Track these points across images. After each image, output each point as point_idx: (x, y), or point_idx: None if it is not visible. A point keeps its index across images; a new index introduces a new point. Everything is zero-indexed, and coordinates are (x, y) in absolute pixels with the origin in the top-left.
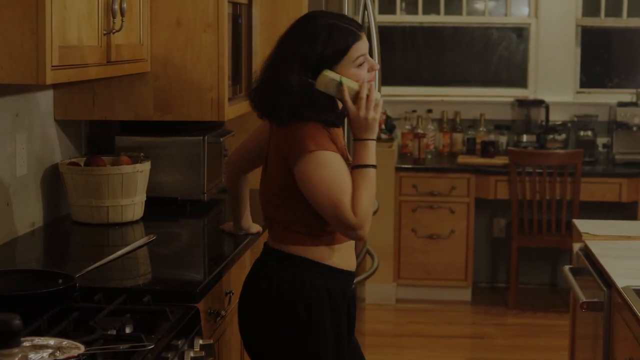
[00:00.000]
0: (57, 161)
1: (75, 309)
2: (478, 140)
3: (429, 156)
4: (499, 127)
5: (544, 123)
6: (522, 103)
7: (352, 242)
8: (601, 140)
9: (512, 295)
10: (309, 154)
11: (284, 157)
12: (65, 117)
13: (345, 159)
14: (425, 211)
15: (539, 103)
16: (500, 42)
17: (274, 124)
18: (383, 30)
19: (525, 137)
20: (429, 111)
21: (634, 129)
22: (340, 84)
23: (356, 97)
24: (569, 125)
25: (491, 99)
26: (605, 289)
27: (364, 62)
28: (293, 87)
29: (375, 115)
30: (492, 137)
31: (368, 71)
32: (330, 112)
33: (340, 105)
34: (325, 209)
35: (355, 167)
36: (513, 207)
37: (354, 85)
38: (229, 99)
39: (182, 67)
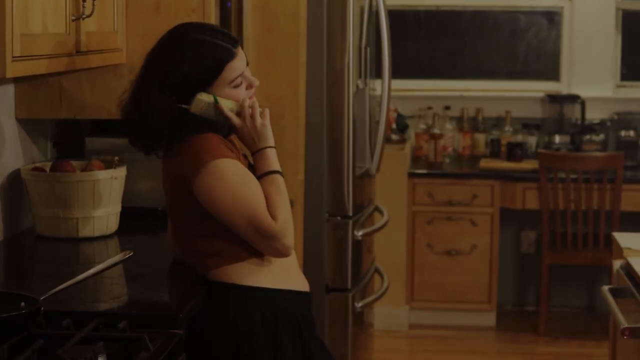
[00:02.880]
0: (19, 166)
1: (40, 336)
2: (503, 142)
3: (447, 160)
4: (528, 126)
5: (579, 122)
6: (554, 99)
7: (290, 259)
8: None
9: (542, 320)
10: (204, 166)
11: (179, 181)
12: (28, 116)
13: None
14: (443, 223)
15: (573, 99)
16: (528, 29)
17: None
18: (393, 15)
19: (557, 138)
20: (447, 108)
21: None
22: (216, 103)
23: (238, 113)
24: (608, 124)
25: (518, 94)
26: None
27: (241, 83)
28: (161, 111)
29: (264, 121)
30: (519, 137)
31: (247, 89)
32: (214, 129)
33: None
34: (238, 223)
35: (261, 176)
36: (544, 218)
37: (232, 105)
38: None
39: None
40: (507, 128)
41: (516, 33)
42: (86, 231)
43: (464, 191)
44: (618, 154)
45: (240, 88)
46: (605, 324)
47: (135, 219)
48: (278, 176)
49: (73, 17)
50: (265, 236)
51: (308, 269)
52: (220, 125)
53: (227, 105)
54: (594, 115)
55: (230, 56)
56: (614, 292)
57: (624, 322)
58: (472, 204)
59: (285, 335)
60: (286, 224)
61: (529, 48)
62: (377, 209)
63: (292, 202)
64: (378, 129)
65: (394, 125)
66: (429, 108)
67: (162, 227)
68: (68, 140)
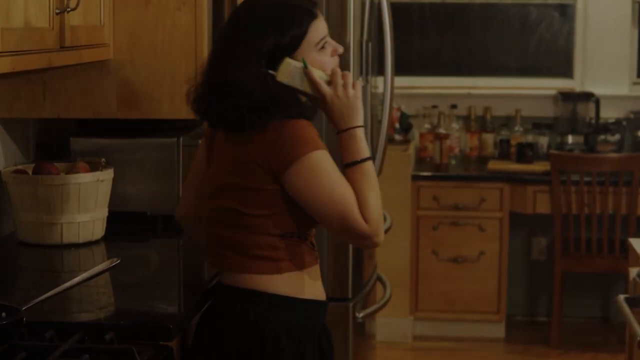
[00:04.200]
0: (0, 168)
1: (22, 349)
2: (513, 142)
3: (453, 161)
4: (539, 126)
5: (593, 121)
6: (566, 97)
7: (318, 268)
8: None
9: (554, 332)
10: (302, 158)
11: (261, 167)
12: (9, 115)
13: None
14: (449, 229)
15: (587, 97)
16: (540, 22)
17: (230, 131)
18: (397, 8)
19: (570, 138)
20: (453, 107)
21: None
22: (305, 67)
23: (328, 83)
24: (624, 123)
25: (529, 91)
26: None
27: (325, 45)
28: (249, 83)
29: (356, 93)
30: (530, 138)
31: (331, 55)
32: (295, 106)
33: (304, 99)
34: (331, 221)
35: (350, 165)
36: (556, 223)
37: (321, 74)
38: None
39: (151, 53)
40: (517, 128)
41: (527, 27)
42: (71, 237)
43: (471, 195)
44: (635, 155)
45: (326, 53)
46: (621, 335)
47: (122, 224)
48: (369, 164)
49: (57, 10)
50: (356, 237)
51: None
52: (298, 101)
53: (316, 73)
54: (609, 114)
55: (313, 16)
56: (630, 302)
57: None
58: (480, 208)
59: (308, 345)
60: (378, 222)
61: (541, 43)
62: None
63: None
64: (380, 128)
65: (397, 125)
66: (434, 107)
67: (152, 233)
68: (52, 140)
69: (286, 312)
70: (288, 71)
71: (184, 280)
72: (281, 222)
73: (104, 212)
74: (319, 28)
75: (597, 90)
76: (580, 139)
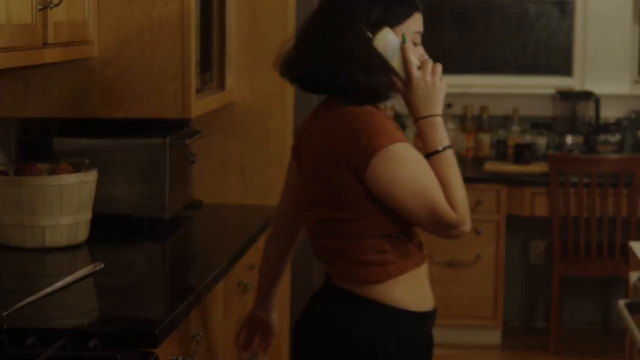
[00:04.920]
0: None
1: (2, 357)
2: (511, 143)
3: None
4: (537, 126)
5: (593, 121)
6: (566, 96)
7: (427, 268)
8: None
9: (553, 338)
10: (383, 151)
11: (343, 163)
12: None
13: None
14: None
15: (587, 96)
16: (538, 20)
17: (324, 99)
18: None
19: (570, 139)
20: (449, 106)
21: None
22: (404, 43)
23: (418, 68)
24: (625, 123)
25: (527, 90)
26: None
27: (418, 44)
28: (346, 40)
29: (443, 85)
30: (528, 138)
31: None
32: (378, 75)
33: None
34: (419, 215)
35: (432, 154)
36: (555, 226)
37: (414, 59)
38: (197, 91)
39: (138, 51)
40: (514, 128)
41: (525, 24)
42: (53, 241)
43: (468, 197)
44: (636, 156)
45: (417, 50)
46: (621, 341)
47: (108, 227)
48: (452, 152)
49: (40, 7)
50: (444, 227)
51: (297, 279)
52: (386, 73)
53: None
54: (609, 113)
55: (419, 9)
56: (631, 307)
57: None
58: (477, 210)
59: (420, 357)
60: (465, 210)
61: (539, 41)
62: None
63: None
64: None
65: None
66: None
67: (137, 237)
68: (34, 141)
69: (399, 325)
70: (386, 41)
71: (170, 286)
72: (382, 222)
73: (88, 215)
74: (420, 22)
75: (598, 89)
76: (580, 139)
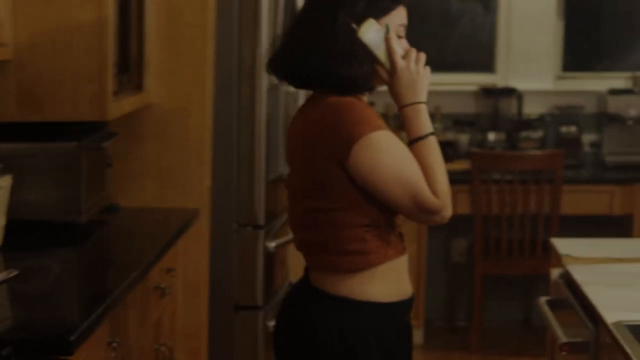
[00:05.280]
0: None
1: None
2: None
3: None
4: (460, 123)
5: (515, 117)
6: (488, 92)
7: (406, 259)
8: (588, 138)
9: (475, 336)
10: (363, 139)
11: (325, 153)
12: None
13: None
14: None
15: (509, 92)
16: (461, 15)
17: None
18: None
19: (492, 136)
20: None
21: (629, 122)
22: (387, 33)
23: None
24: (548, 119)
25: (449, 87)
26: (591, 325)
27: (402, 37)
28: (331, 33)
29: (427, 73)
30: (450, 136)
31: None
32: (363, 64)
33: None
34: (402, 201)
35: (415, 140)
36: (476, 224)
37: (400, 49)
38: (114, 93)
39: (53, 53)
40: (436, 125)
41: (448, 20)
42: None
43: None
44: (558, 152)
45: (401, 42)
46: (543, 338)
47: (22, 233)
48: (434, 139)
49: None
50: (427, 212)
51: (214, 285)
52: (370, 63)
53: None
54: (532, 110)
55: (402, 2)
56: (552, 304)
57: (562, 337)
58: None
59: (395, 346)
60: (446, 195)
61: (462, 37)
62: None
63: (197, 212)
64: None
65: None
66: None
67: (53, 242)
68: None
69: (375, 319)
70: (369, 31)
71: (85, 291)
72: (364, 211)
73: (2, 221)
74: (404, 15)
75: (521, 85)
76: (502, 136)
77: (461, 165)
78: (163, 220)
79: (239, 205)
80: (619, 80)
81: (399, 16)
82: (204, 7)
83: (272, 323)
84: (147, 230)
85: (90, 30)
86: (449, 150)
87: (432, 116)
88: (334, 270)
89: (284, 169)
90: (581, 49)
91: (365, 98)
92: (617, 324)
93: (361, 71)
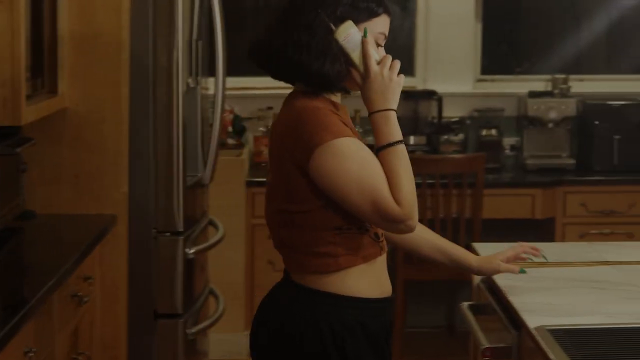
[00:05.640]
0: None
1: None
2: None
3: None
4: None
5: (435, 120)
6: (407, 95)
7: (383, 259)
8: (508, 141)
9: (397, 343)
10: (324, 146)
11: (289, 157)
12: None
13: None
14: None
15: (429, 95)
16: None
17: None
18: (229, 4)
19: (412, 139)
20: None
21: (550, 125)
22: (364, 37)
23: (377, 63)
24: (468, 122)
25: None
26: (513, 331)
27: (381, 45)
28: (310, 23)
29: (400, 81)
30: (369, 139)
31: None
32: (335, 64)
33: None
34: (363, 209)
35: (383, 147)
36: None
37: (375, 55)
38: (27, 97)
39: None
40: (357, 129)
41: None
42: None
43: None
44: (478, 155)
45: (380, 50)
46: (466, 344)
47: None
48: (403, 147)
49: None
50: (389, 221)
51: (133, 293)
52: (343, 64)
53: (371, 48)
54: (452, 112)
55: (389, 11)
56: (475, 309)
57: (484, 342)
58: None
59: (374, 344)
60: (411, 204)
61: None
62: (211, 223)
63: (114, 218)
64: (212, 132)
65: (230, 129)
66: (269, 108)
67: None
68: None
69: (350, 313)
70: (347, 33)
71: (0, 300)
72: (330, 215)
73: None
74: (386, 24)
75: (440, 88)
76: (422, 139)
77: None
78: (80, 227)
79: (157, 211)
80: (538, 82)
81: (380, 24)
82: (118, 10)
83: (192, 330)
84: (63, 238)
85: (1, 34)
86: None
87: (352, 120)
88: (306, 271)
89: (202, 173)
90: (500, 52)
91: (338, 100)
92: (539, 329)
93: (333, 70)
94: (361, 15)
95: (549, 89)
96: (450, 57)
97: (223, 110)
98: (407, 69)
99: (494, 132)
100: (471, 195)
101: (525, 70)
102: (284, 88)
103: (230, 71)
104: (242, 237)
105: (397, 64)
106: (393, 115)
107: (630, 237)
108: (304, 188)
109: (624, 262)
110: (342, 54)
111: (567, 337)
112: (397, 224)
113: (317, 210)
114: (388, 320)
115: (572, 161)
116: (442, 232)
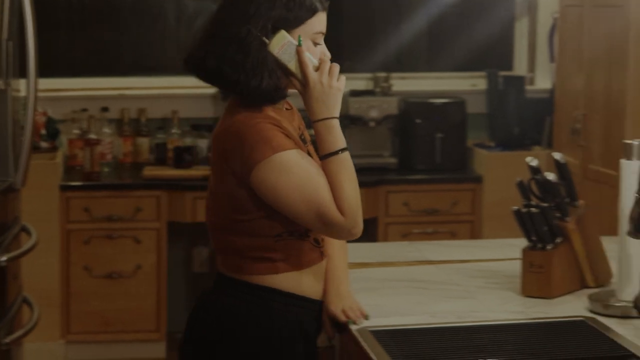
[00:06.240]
0: None
1: None
2: (170, 146)
3: (106, 169)
4: (198, 127)
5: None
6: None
7: (323, 264)
8: None
9: None
10: (265, 161)
11: (230, 170)
12: None
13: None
14: (102, 242)
15: None
16: (197, 16)
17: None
18: (41, 3)
19: None
20: (104, 109)
21: (371, 124)
22: (299, 45)
23: (315, 69)
24: None
25: (186, 91)
26: (337, 333)
27: (319, 42)
28: (241, 42)
29: (340, 86)
30: (188, 141)
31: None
32: (272, 78)
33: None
34: (305, 217)
35: (326, 156)
36: None
37: (311, 58)
38: None
39: None
40: (174, 130)
41: (183, 21)
42: None
43: (125, 204)
44: None
45: (317, 50)
46: None
47: None
48: (347, 155)
49: None
50: (334, 229)
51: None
52: (279, 77)
53: (308, 55)
54: None
55: (322, 7)
56: None
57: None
58: (136, 218)
59: (313, 343)
60: (355, 212)
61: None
62: (24, 229)
63: None
64: (23, 135)
65: (42, 131)
66: (84, 110)
67: None
68: None
69: (300, 311)
70: (281, 44)
71: None
72: (273, 223)
73: None
74: (322, 21)
75: None
76: None
77: (200, 171)
78: None
79: None
80: (360, 81)
81: (316, 23)
82: None
83: (6, 340)
84: None
85: None
86: (186, 156)
87: (170, 121)
88: (246, 273)
89: (14, 178)
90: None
91: (282, 106)
92: (362, 330)
93: (272, 84)
94: (293, 22)
95: (370, 87)
96: None
97: (35, 113)
98: None
99: (313, 132)
100: None
101: (346, 69)
102: (97, 89)
103: (43, 72)
104: (57, 243)
105: (336, 68)
106: (335, 123)
107: (453, 235)
108: (245, 199)
109: (446, 261)
110: (279, 66)
111: (390, 338)
112: (341, 232)
113: (258, 220)
114: (319, 322)
115: (394, 160)
116: None
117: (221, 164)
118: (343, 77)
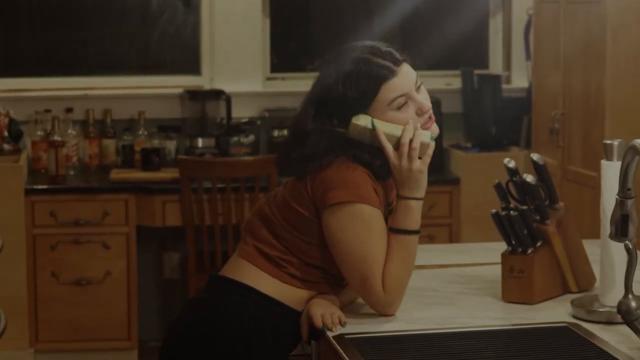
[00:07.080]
0: None
1: None
2: (137, 148)
3: (72, 172)
4: (165, 128)
5: (225, 121)
6: (194, 95)
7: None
8: None
9: None
10: (347, 204)
11: (310, 196)
12: None
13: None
14: (70, 247)
15: (217, 95)
16: (161, 14)
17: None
18: (3, 4)
19: (200, 141)
20: (69, 110)
21: None
22: (373, 129)
23: (397, 144)
24: (259, 122)
25: (152, 90)
26: (313, 340)
27: (406, 103)
28: (315, 134)
29: (422, 167)
30: (155, 142)
31: (418, 115)
32: (375, 157)
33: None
34: (352, 277)
35: (394, 230)
36: (188, 236)
37: (394, 131)
38: None
39: None
40: (140, 132)
41: (148, 19)
42: None
43: (93, 208)
44: (270, 157)
45: (406, 111)
46: None
47: None
48: (412, 238)
49: None
50: (370, 298)
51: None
52: (378, 154)
53: (387, 131)
54: (242, 113)
55: (390, 75)
56: None
57: None
58: (104, 223)
59: (286, 349)
60: (395, 294)
61: (164, 37)
62: None
63: None
64: None
65: (5, 133)
66: (48, 111)
67: None
68: None
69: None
70: (357, 130)
71: None
72: (313, 253)
73: None
74: (395, 87)
75: (228, 87)
76: (212, 141)
77: (169, 174)
78: None
79: None
80: None
81: (390, 91)
82: None
83: None
84: None
85: None
86: (154, 158)
87: (136, 122)
88: (254, 264)
89: None
90: (291, 49)
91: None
92: (340, 337)
93: (363, 171)
94: (365, 101)
95: None
96: (238, 54)
97: None
98: (193, 68)
99: (286, 132)
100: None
101: (316, 67)
102: (61, 89)
103: (4, 72)
104: (23, 248)
105: (415, 152)
106: (414, 205)
107: (431, 239)
108: (310, 224)
109: (424, 266)
110: (369, 146)
111: (369, 345)
112: (376, 304)
113: (314, 246)
114: (275, 321)
115: None
116: (235, 239)
117: (304, 185)
118: (430, 148)
